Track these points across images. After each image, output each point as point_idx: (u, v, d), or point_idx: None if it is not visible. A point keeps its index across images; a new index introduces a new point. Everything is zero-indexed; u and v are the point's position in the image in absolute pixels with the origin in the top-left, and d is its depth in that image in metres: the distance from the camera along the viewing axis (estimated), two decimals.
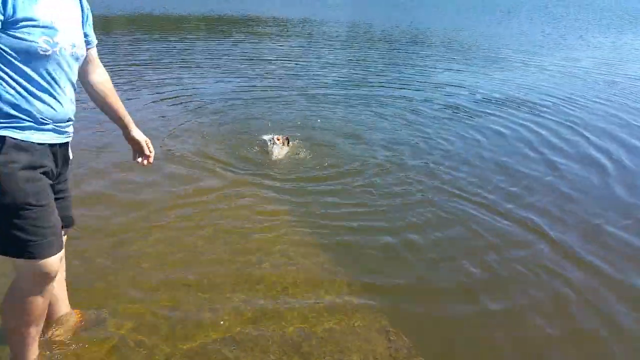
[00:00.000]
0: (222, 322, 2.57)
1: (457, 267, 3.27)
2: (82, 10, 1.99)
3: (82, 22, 1.98)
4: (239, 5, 27.57)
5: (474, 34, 18.17)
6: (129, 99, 6.95)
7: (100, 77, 2.14)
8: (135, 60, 10.40)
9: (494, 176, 4.78)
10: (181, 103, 7.06)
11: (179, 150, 5.05)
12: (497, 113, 7.15)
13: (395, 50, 13.95)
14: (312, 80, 9.22)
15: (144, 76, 8.81)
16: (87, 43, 2.02)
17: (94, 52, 2.11)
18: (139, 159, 2.30)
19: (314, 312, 2.70)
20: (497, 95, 8.33)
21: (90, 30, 2.04)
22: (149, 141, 2.28)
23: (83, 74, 2.07)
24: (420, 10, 28.55)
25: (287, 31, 17.73)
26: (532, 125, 6.50)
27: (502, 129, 6.32)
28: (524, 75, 10.37)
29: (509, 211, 4.02)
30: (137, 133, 2.26)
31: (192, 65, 10.26)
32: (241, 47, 13.05)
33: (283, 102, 7.43)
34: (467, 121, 6.71)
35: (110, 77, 2.20)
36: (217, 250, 3.27)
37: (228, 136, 5.66)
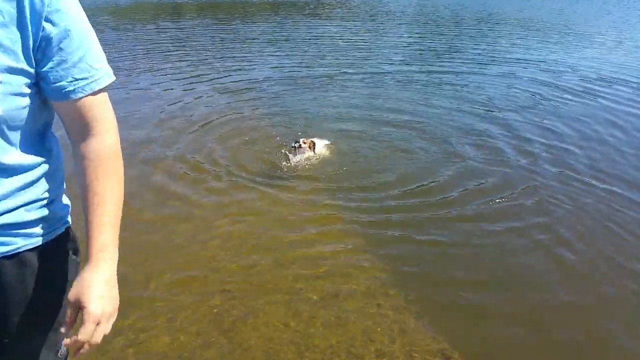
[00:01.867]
0: None
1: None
2: (25, 27, 0.97)
3: (23, 50, 0.98)
4: None
5: (551, 13, 17.04)
6: (185, 90, 6.38)
7: (87, 148, 1.11)
8: (193, 45, 10.25)
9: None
10: (233, 90, 6.54)
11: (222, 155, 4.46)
12: (607, 95, 6.51)
13: (468, 29, 13.24)
14: (380, 61, 8.74)
15: (200, 63, 8.48)
16: (60, 93, 1.04)
17: (84, 104, 1.07)
18: (67, 333, 1.02)
19: None
20: (596, 76, 7.65)
21: (64, 66, 1.02)
22: (105, 317, 1.01)
23: (70, 138, 1.14)
24: None
25: (350, 13, 17.31)
26: None
27: (623, 115, 5.71)
28: (622, 54, 9.53)
29: None
30: (93, 281, 1.02)
31: (255, 50, 9.90)
32: (304, 30, 12.79)
33: (348, 85, 6.96)
34: (579, 105, 6.12)
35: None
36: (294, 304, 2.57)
37: (277, 134, 4.93)
